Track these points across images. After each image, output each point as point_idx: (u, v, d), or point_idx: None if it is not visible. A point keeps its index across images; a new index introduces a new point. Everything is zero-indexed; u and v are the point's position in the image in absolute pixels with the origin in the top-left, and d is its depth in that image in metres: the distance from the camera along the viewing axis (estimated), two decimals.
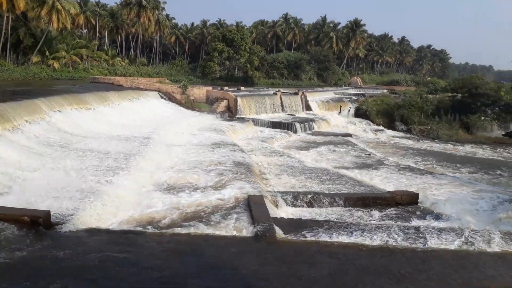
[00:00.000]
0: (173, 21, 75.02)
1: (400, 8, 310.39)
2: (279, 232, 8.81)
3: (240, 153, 18.13)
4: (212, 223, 9.70)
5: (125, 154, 15.18)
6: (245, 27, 72.07)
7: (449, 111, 33.87)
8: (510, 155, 25.17)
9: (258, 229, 8.73)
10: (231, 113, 33.32)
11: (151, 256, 7.16)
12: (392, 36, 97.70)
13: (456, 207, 12.79)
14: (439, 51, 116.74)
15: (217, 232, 9.13)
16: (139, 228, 9.25)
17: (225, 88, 40.32)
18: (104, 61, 51.65)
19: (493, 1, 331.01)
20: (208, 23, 76.76)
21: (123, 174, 12.50)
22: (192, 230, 9.15)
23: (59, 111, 19.19)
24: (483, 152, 26.00)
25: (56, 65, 43.29)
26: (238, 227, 9.40)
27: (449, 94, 37.21)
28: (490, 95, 33.26)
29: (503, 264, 7.85)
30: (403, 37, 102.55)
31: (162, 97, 33.63)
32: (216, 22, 76.07)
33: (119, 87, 33.11)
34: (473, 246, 9.19)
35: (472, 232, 9.88)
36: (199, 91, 36.07)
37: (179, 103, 33.72)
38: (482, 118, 33.20)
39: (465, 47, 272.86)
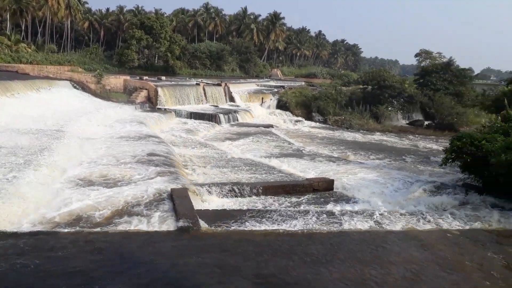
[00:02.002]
0: (86, 5, 69.85)
1: (316, 3, 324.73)
2: (203, 224, 8.82)
3: (162, 146, 17.67)
4: (132, 219, 9.35)
5: (34, 149, 13.93)
6: (165, 15, 69.81)
7: (361, 102, 36.42)
8: (412, 142, 27.92)
9: (182, 222, 8.64)
10: (151, 103, 32.20)
11: (64, 258, 6.70)
12: (309, 30, 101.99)
13: (367, 191, 13.90)
14: (352, 45, 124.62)
15: (139, 228, 8.84)
16: (51, 229, 8.59)
17: (145, 77, 38.81)
18: (6, 47, 46.35)
19: (397, 2, 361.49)
20: (125, 9, 72.76)
21: (32, 171, 11.46)
22: (110, 228, 8.75)
23: None
24: (390, 140, 28.48)
25: None
26: (160, 221, 9.19)
27: (361, 86, 39.98)
28: (396, 87, 36.42)
29: (406, 240, 8.75)
30: (320, 31, 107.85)
31: (74, 87, 31.30)
32: (134, 9, 72.45)
33: (25, 76, 30.12)
34: (382, 226, 10.11)
35: (381, 214, 10.85)
36: (116, 81, 34.23)
37: (94, 93, 31.69)
38: (389, 108, 36.29)
39: (374, 42, 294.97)
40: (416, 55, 74.03)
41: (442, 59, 58.29)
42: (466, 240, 8.95)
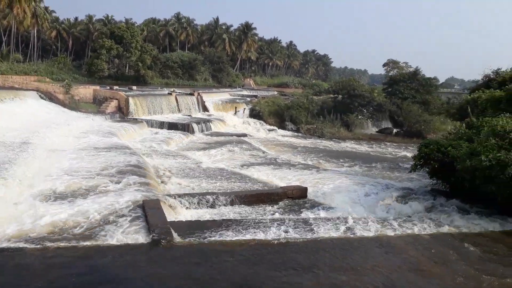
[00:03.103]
0: (54, 14, 68.16)
1: (287, 14, 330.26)
2: (176, 236, 8.68)
3: (133, 156, 17.34)
4: (103, 232, 9.08)
5: None
6: (135, 25, 69.11)
7: (332, 111, 37.13)
8: (382, 150, 28.63)
9: (155, 235, 8.48)
10: (122, 114, 31.63)
11: (31, 275, 6.43)
12: (280, 40, 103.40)
13: (340, 198, 14.10)
14: (322, 55, 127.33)
15: (109, 242, 8.59)
16: (17, 245, 8.22)
17: (115, 87, 38.13)
18: None
19: (365, 14, 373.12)
20: (94, 19, 71.63)
21: None
22: (81, 242, 8.47)
23: None
24: (361, 147, 29.10)
25: None
26: (132, 234, 8.97)
27: (331, 95, 40.80)
28: (365, 96, 37.39)
29: (378, 246, 8.92)
30: (291, 42, 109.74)
31: (42, 98, 30.30)
32: (104, 18, 71.41)
33: None
34: (354, 232, 10.26)
35: (353, 220, 11.02)
36: (85, 91, 33.45)
37: (62, 104, 30.80)
38: (359, 117, 37.15)
39: (344, 52, 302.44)
40: (384, 65, 76.27)
41: (408, 69, 60.21)
42: (436, 244, 9.21)
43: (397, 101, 38.37)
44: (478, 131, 13.05)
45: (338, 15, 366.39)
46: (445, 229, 10.74)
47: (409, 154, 19.85)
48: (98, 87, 35.25)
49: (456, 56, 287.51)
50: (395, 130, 36.50)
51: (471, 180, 11.49)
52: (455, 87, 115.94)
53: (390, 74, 63.39)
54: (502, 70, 21.35)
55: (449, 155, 12.91)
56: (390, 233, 10.24)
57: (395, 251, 8.58)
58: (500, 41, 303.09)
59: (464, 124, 15.63)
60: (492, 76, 21.56)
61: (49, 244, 8.36)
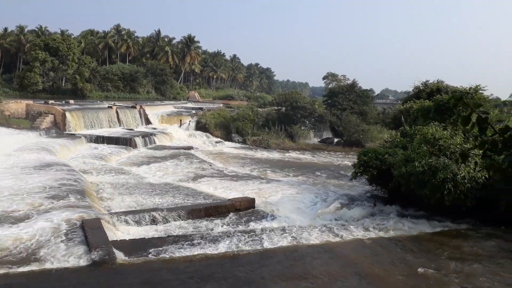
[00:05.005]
0: None
1: (230, 28, 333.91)
2: (120, 256, 8.31)
3: (71, 174, 16.40)
4: (39, 257, 8.46)
5: None
6: (72, 36, 66.07)
7: (276, 122, 37.87)
8: (324, 159, 29.61)
9: (95, 255, 8.05)
10: (59, 129, 29.87)
11: None
12: (224, 53, 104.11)
13: (286, 207, 14.34)
14: (265, 69, 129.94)
15: (46, 267, 8.01)
16: None
17: (51, 101, 35.97)
18: None
19: (304, 31, 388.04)
20: (26, 30, 67.32)
21: None
22: (14, 269, 7.81)
23: None
24: (305, 157, 29.88)
25: None
26: (71, 257, 8.44)
27: (276, 107, 41.65)
28: (307, 108, 38.60)
29: (324, 253, 9.16)
30: (234, 55, 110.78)
31: None
32: (37, 29, 67.42)
33: None
34: (301, 241, 10.46)
35: (299, 229, 11.24)
36: (17, 106, 31.19)
37: None
38: (302, 127, 38.24)
39: (286, 66, 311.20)
40: (323, 78, 79.71)
41: (346, 81, 63.33)
42: (377, 248, 9.66)
43: (336, 112, 40.03)
44: (412, 139, 13.98)
45: (279, 30, 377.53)
46: (385, 233, 11.31)
47: (350, 163, 20.71)
48: (31, 102, 33.06)
49: (390, 69, 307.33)
50: (336, 140, 37.92)
51: (407, 185, 12.25)
52: (390, 98, 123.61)
53: (329, 86, 66.20)
54: (429, 81, 23.17)
55: (386, 162, 13.69)
56: (335, 239, 10.58)
57: (339, 257, 8.86)
58: (429, 53, 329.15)
59: (398, 133, 16.65)
60: (421, 88, 23.29)
61: None
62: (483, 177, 11.15)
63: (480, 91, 15.68)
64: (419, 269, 8.20)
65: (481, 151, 2.97)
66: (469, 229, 11.39)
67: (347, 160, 27.57)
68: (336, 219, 13.02)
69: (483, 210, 11.63)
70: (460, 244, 9.91)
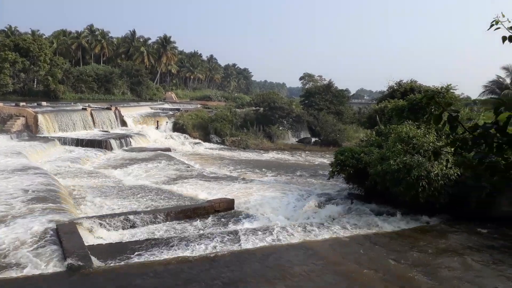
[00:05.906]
0: None
1: (206, 28, 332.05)
2: (96, 261, 8.13)
3: (44, 178, 15.94)
4: (11, 264, 8.18)
5: None
6: (44, 37, 64.30)
7: (255, 123, 37.93)
8: (302, 158, 29.86)
9: (70, 261, 7.85)
10: (30, 132, 28.99)
11: None
12: (201, 54, 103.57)
13: (266, 207, 14.38)
14: (243, 69, 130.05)
15: (19, 274, 7.75)
16: None
17: (22, 103, 34.85)
18: None
19: (280, 32, 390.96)
20: None
21: None
22: None
23: None
24: (283, 157, 30.05)
25: None
26: (45, 263, 8.21)
27: (254, 108, 41.72)
28: (285, 108, 38.85)
29: (304, 252, 9.23)
30: (211, 56, 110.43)
31: None
32: (6, 29, 65.32)
33: None
34: (281, 241, 10.51)
35: (278, 229, 11.29)
36: None
37: None
38: (280, 128, 38.46)
39: (263, 66, 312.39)
40: (300, 78, 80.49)
41: (323, 82, 64.06)
42: (354, 245, 9.82)
43: (313, 112, 40.42)
44: (387, 138, 14.25)
45: (255, 31, 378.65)
46: (362, 230, 11.50)
47: (327, 162, 20.94)
48: (1, 104, 31.92)
49: (365, 69, 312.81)
50: (313, 140, 38.30)
51: (383, 183, 12.49)
52: (365, 97, 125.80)
53: (306, 87, 66.89)
54: (403, 81, 23.64)
55: (362, 161, 13.92)
56: (313, 238, 10.68)
57: (319, 255, 8.95)
58: (404, 53, 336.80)
59: (374, 132, 16.95)
60: (395, 87, 23.76)
61: None
62: (456, 174, 11.49)
63: (451, 90, 16.11)
64: (394, 263, 8.38)
65: (452, 149, 3.06)
66: (443, 224, 11.72)
67: (324, 159, 27.89)
68: (314, 218, 13.14)
69: (455, 207, 11.99)
70: (433, 240, 10.18)
